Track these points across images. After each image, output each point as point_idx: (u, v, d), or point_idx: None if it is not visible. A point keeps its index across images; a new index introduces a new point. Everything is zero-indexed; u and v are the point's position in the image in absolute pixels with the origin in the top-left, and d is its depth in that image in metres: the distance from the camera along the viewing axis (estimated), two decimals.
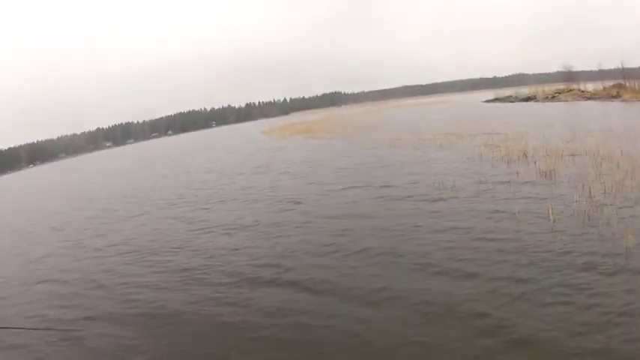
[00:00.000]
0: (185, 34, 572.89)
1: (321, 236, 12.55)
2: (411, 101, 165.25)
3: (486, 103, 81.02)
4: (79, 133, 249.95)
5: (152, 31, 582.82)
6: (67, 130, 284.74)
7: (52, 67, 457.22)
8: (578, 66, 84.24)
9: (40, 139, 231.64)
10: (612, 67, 71.80)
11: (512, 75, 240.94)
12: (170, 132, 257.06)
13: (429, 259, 9.67)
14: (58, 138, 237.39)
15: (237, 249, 12.62)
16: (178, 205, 21.09)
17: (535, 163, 17.93)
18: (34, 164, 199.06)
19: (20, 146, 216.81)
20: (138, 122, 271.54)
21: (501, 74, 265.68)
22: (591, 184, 13.40)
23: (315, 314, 8.12)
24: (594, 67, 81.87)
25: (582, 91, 67.79)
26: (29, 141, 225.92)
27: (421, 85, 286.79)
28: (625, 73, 62.50)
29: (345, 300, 8.49)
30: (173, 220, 18.17)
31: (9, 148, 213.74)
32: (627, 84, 60.00)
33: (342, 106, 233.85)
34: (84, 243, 16.87)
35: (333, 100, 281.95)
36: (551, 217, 11.06)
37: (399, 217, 13.24)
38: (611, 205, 11.47)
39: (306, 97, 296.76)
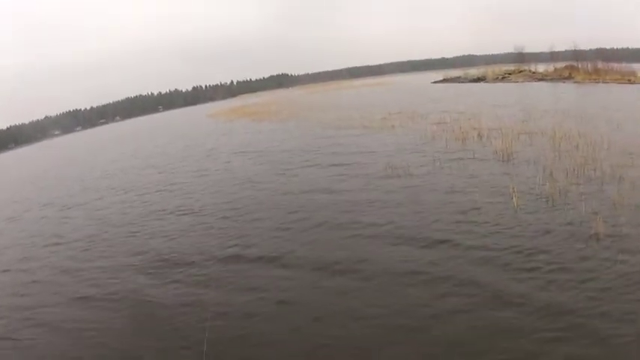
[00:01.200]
0: (136, 19, 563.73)
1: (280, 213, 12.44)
2: (358, 82, 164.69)
3: (435, 84, 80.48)
4: (27, 122, 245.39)
5: (100, 17, 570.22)
6: (19, 120, 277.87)
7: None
8: (530, 48, 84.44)
9: None
10: (564, 49, 71.93)
11: (461, 56, 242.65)
12: (118, 118, 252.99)
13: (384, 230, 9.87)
14: (7, 128, 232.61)
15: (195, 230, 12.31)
16: (131, 191, 19.95)
17: (491, 143, 17.15)
18: None
19: None
20: (85, 109, 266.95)
21: (450, 55, 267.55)
22: (552, 165, 12.87)
23: (284, 286, 8.28)
24: (546, 49, 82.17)
25: (533, 72, 68.02)
26: None
27: (368, 67, 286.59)
28: (577, 55, 62.66)
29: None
30: (126, 204, 17.40)
31: None
32: (579, 65, 59.91)
33: (289, 89, 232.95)
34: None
35: (279, 82, 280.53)
36: (514, 200, 10.34)
37: (353, 193, 13.14)
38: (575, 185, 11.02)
39: (253, 79, 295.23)
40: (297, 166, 18.44)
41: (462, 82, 75.76)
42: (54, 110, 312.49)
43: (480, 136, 18.64)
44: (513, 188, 10.82)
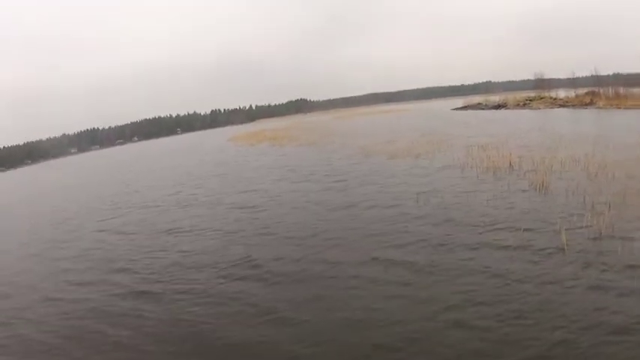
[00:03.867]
0: (152, 42, 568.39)
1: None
2: (377, 109, 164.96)
3: (456, 111, 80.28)
4: (44, 139, 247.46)
5: (118, 37, 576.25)
6: (34, 136, 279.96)
7: (20, 69, 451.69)
8: (549, 74, 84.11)
9: (6, 145, 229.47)
10: (585, 74, 71.57)
11: (480, 83, 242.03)
12: (135, 138, 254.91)
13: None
14: (25, 144, 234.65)
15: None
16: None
17: (524, 173, 16.65)
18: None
19: None
20: (104, 128, 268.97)
21: (469, 82, 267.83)
22: (592, 197, 12.37)
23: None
24: (566, 75, 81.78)
25: (554, 99, 67.83)
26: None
27: (387, 93, 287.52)
28: (598, 81, 62.21)
29: None
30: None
31: None
32: (601, 91, 59.31)
33: (308, 114, 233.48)
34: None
35: (298, 107, 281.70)
36: (564, 239, 9.51)
37: (382, 224, 12.48)
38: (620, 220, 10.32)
39: (272, 104, 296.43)
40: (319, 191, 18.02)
41: (483, 108, 75.63)
42: (68, 129, 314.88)
43: (511, 165, 18.04)
44: (559, 224, 10.28)
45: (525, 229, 10.44)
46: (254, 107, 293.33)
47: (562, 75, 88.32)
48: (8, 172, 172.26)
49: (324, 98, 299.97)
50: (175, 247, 13.42)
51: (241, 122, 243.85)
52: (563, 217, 10.97)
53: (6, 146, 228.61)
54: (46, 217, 23.52)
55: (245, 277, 10.01)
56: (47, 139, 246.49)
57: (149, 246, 14.02)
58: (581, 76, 74.93)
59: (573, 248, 9.15)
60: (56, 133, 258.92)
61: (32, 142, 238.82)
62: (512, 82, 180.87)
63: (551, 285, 7.74)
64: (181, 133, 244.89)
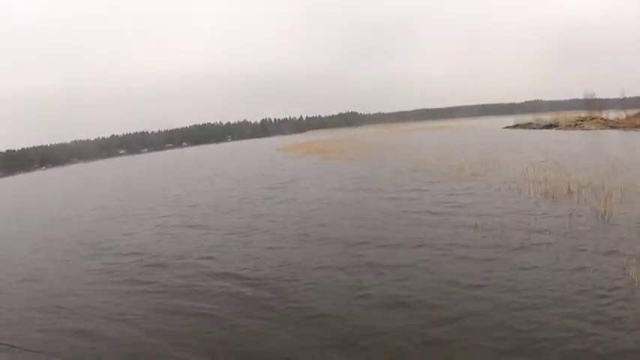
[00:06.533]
0: (202, 49, 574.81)
1: None
2: (428, 124, 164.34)
3: (508, 129, 79.81)
4: (92, 139, 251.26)
5: (171, 43, 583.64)
6: (82, 135, 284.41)
7: (70, 69, 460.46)
8: (600, 94, 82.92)
9: (53, 143, 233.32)
10: (635, 95, 70.75)
11: (529, 101, 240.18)
12: (185, 144, 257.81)
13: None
14: (72, 142, 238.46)
15: None
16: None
17: (584, 199, 16.39)
18: (46, 167, 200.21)
19: (33, 148, 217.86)
20: (153, 132, 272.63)
21: (517, 100, 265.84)
22: None
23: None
24: (614, 95, 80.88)
25: (605, 120, 67.13)
26: (42, 143, 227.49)
27: (438, 109, 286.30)
28: None
29: None
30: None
31: (22, 149, 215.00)
32: None
33: (358, 127, 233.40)
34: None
35: (349, 120, 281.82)
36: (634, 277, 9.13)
37: (437, 264, 11.48)
38: None
39: (323, 115, 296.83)
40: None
41: (535, 128, 74.98)
42: (119, 130, 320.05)
43: (570, 191, 17.79)
44: (627, 260, 9.88)
45: (594, 270, 9.85)
46: (304, 118, 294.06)
47: (611, 95, 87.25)
48: (55, 169, 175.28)
49: (374, 112, 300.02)
50: None
51: (290, 132, 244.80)
52: (631, 249, 10.69)
53: (53, 144, 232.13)
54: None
55: None
56: (95, 140, 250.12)
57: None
58: (632, 96, 74.05)
59: None
60: (104, 134, 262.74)
61: (80, 140, 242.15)
62: (561, 101, 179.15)
63: None
64: (231, 141, 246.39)
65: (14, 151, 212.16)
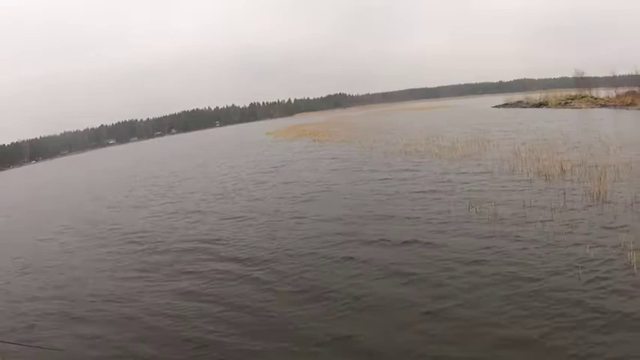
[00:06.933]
0: (187, 33, 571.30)
1: None
2: (416, 104, 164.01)
3: (497, 109, 79.94)
4: (82, 129, 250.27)
5: (156, 27, 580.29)
6: (71, 127, 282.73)
7: (55, 61, 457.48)
8: (588, 71, 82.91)
9: (42, 135, 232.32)
10: (625, 72, 70.70)
11: (518, 80, 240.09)
12: (174, 130, 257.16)
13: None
14: (61, 134, 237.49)
15: None
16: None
17: (578, 179, 16.30)
18: (36, 160, 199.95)
19: (23, 142, 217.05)
20: (142, 120, 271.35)
21: (506, 79, 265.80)
22: None
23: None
24: (604, 73, 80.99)
25: (595, 98, 67.12)
26: (32, 137, 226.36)
27: (426, 89, 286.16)
28: (638, 80, 61.46)
29: None
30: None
31: (12, 144, 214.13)
32: None
33: (347, 109, 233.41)
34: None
35: (337, 101, 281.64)
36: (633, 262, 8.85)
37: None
38: None
39: (311, 98, 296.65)
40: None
41: (524, 107, 75.25)
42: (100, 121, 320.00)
43: (563, 170, 17.63)
44: (625, 241, 9.67)
45: (590, 247, 9.82)
46: (293, 101, 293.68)
47: (601, 73, 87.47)
48: (45, 162, 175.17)
49: (362, 93, 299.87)
50: None
51: (279, 116, 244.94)
52: (628, 232, 10.38)
53: (42, 137, 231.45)
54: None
55: None
56: (84, 130, 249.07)
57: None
58: (622, 74, 74.06)
59: None
60: (93, 124, 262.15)
61: (70, 132, 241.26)
62: (551, 79, 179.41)
63: None
64: (220, 126, 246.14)
65: (4, 145, 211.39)
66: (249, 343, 7.82)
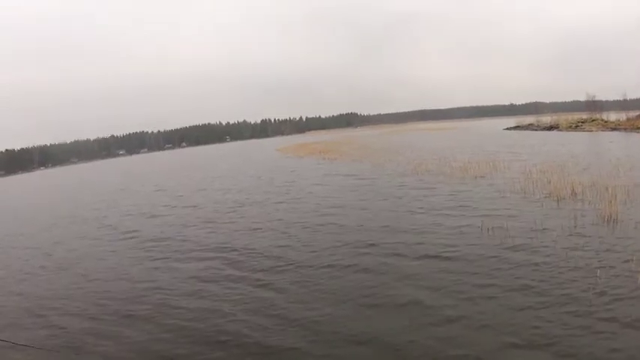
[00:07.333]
0: (201, 50, 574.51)
1: None
2: (427, 125, 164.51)
3: (508, 131, 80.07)
4: (92, 139, 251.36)
5: (169, 43, 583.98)
6: (80, 135, 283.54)
7: (67, 70, 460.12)
8: (600, 95, 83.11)
9: (53, 142, 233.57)
10: (636, 96, 71.02)
11: (529, 103, 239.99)
12: (184, 144, 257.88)
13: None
14: (72, 142, 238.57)
15: None
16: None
17: (589, 201, 16.27)
18: (45, 167, 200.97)
19: (32, 148, 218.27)
20: (152, 132, 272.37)
21: (517, 102, 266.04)
22: None
23: None
24: (615, 96, 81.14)
25: (606, 122, 67.34)
26: (41, 143, 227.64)
27: (437, 110, 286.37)
28: None
29: None
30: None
31: (21, 149, 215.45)
32: None
33: (358, 128, 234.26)
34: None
35: (348, 120, 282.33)
36: None
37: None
38: None
39: (322, 116, 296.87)
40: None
41: (535, 129, 75.24)
42: (118, 130, 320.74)
43: (574, 193, 17.70)
44: (636, 263, 9.66)
45: (601, 268, 9.76)
46: (304, 119, 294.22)
47: (612, 97, 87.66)
48: (54, 168, 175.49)
49: (374, 113, 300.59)
50: None
51: (290, 133, 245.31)
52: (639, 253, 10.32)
53: (52, 144, 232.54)
54: None
55: None
56: (94, 140, 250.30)
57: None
58: (632, 98, 74.27)
59: None
60: (103, 134, 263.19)
61: (80, 141, 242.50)
62: (561, 103, 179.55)
63: None
64: (230, 141, 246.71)
65: (14, 150, 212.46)
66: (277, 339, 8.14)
